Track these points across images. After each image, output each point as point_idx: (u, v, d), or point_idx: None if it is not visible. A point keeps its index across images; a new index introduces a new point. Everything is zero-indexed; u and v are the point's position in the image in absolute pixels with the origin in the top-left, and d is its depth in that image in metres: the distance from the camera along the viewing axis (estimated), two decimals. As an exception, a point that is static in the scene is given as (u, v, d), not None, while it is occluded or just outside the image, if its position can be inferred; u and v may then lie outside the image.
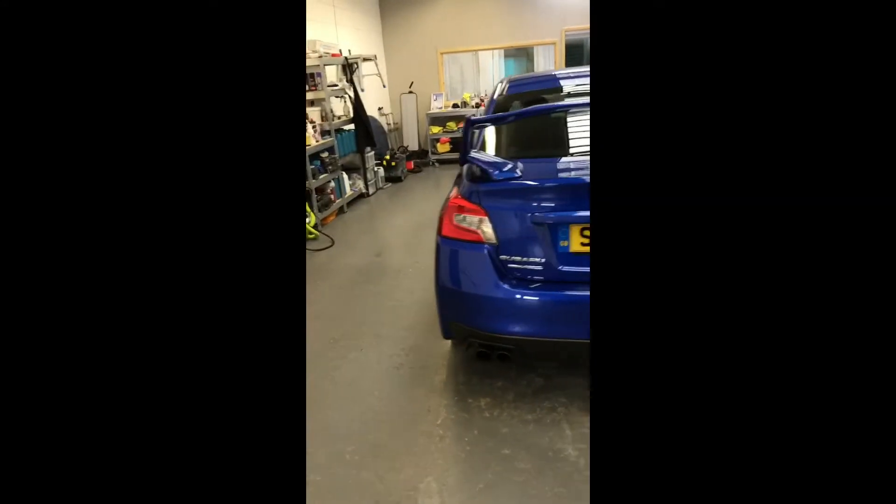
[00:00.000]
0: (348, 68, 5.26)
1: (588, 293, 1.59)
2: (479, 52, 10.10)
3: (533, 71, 7.60)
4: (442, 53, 7.38)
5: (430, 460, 1.70)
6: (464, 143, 1.68)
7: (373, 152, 5.74)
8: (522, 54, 7.82)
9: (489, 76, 10.28)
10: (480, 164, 1.71)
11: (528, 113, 1.73)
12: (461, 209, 1.74)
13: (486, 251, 1.70)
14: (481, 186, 1.70)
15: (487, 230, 1.70)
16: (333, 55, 5.02)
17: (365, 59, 5.90)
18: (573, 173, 1.72)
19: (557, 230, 1.62)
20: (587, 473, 1.59)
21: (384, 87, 7.11)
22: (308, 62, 4.62)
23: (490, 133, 2.08)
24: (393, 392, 2.10)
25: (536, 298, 1.63)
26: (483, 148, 2.07)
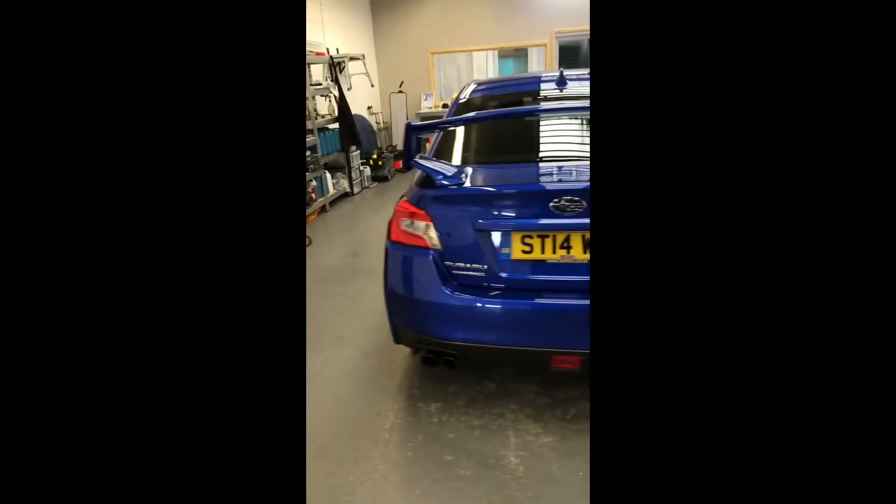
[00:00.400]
0: (334, 67, 5.25)
1: (530, 301, 1.59)
2: (474, 53, 10.08)
3: (526, 71, 7.59)
4: (433, 53, 7.37)
5: (372, 465, 1.70)
6: (405, 148, 1.68)
7: (358, 151, 5.73)
8: (522, 55, 7.79)
9: (484, 76, 10.25)
10: (424, 169, 1.70)
11: (474, 119, 1.72)
12: (408, 214, 1.74)
13: (431, 257, 1.69)
14: (427, 192, 1.70)
15: (433, 236, 1.69)
16: (318, 54, 5.01)
17: (352, 59, 5.89)
18: (532, 179, 1.71)
19: (499, 237, 1.62)
20: (525, 482, 1.59)
21: (372, 86, 7.10)
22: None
23: (459, 137, 2.07)
24: (346, 395, 2.10)
25: (479, 305, 1.63)
26: (448, 152, 2.05)
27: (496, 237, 1.63)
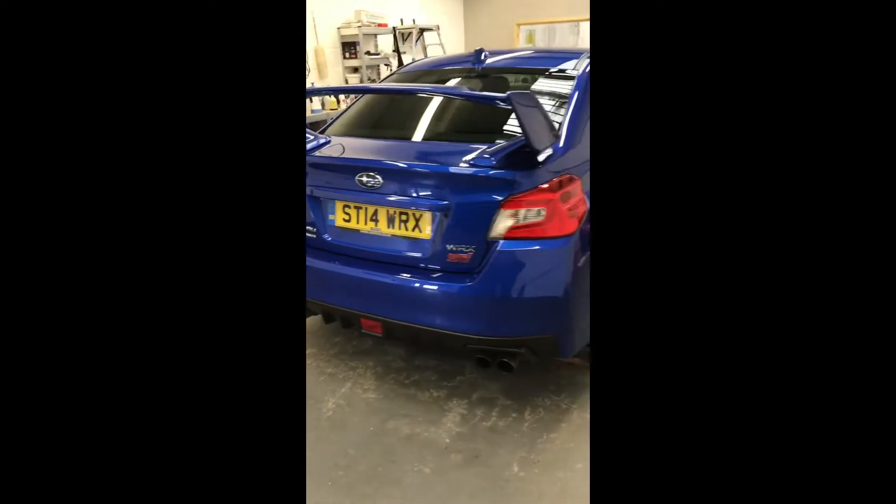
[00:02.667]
0: (397, 38, 5.50)
1: (345, 266, 1.74)
2: (581, 24, 9.55)
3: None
4: (519, 25, 7.20)
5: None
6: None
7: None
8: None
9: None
10: None
11: (353, 90, 1.89)
12: None
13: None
14: None
15: None
16: (379, 25, 5.29)
17: (425, 30, 6.07)
18: (364, 154, 1.83)
19: (326, 204, 1.78)
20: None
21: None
22: (349, 32, 4.98)
23: (352, 110, 2.22)
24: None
25: (312, 265, 1.82)
26: (337, 123, 2.18)
27: (325, 204, 1.79)
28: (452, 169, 1.54)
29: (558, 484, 1.51)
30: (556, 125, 1.73)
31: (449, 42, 7.02)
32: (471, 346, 1.61)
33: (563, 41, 9.57)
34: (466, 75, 2.20)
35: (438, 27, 6.27)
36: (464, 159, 1.55)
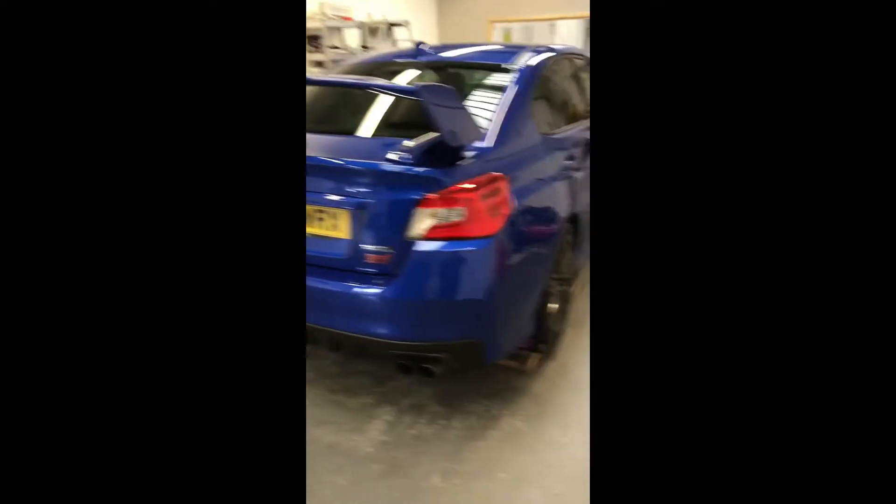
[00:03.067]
0: (368, 33, 5.41)
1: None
2: (557, 23, 9.55)
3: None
4: (492, 22, 7.16)
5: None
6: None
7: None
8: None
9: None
10: None
11: None
12: None
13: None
14: None
15: None
16: (344, 18, 5.19)
17: (394, 25, 5.98)
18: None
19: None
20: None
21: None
22: (311, 25, 4.86)
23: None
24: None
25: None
26: None
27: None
28: (368, 165, 1.47)
29: (478, 494, 1.45)
30: (489, 121, 1.67)
31: (422, 38, 6.93)
32: (392, 352, 1.53)
33: (540, 40, 9.56)
34: (410, 67, 2.13)
35: (408, 22, 6.18)
36: (380, 155, 1.48)
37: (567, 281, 2.08)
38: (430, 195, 1.40)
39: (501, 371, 1.98)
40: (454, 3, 7.24)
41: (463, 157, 1.48)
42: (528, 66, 1.94)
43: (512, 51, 2.08)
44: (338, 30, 5.32)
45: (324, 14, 4.91)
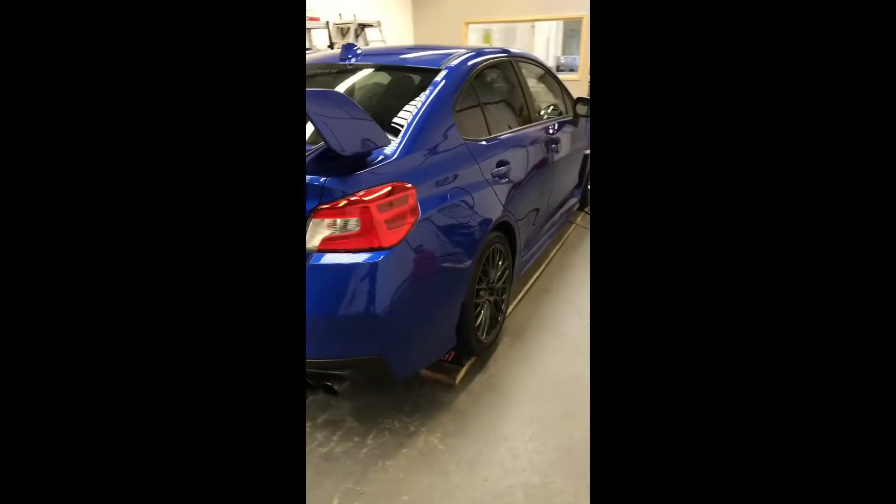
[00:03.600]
0: (339, 33, 5.33)
1: None
2: (537, 24, 9.52)
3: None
4: (467, 23, 7.10)
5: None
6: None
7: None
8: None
9: (541, 50, 9.64)
10: None
11: None
12: None
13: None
14: None
15: None
16: (311, 18, 5.11)
17: (365, 25, 5.91)
18: None
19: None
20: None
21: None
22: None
23: None
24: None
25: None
26: None
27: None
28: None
29: (378, 519, 1.38)
30: (400, 126, 1.60)
31: (395, 39, 6.86)
32: (294, 368, 1.46)
33: (522, 41, 9.50)
34: (337, 71, 2.06)
35: (380, 23, 6.12)
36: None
37: (498, 290, 2.02)
38: (323, 205, 1.34)
39: (428, 384, 1.91)
40: (429, 4, 7.17)
41: (365, 165, 1.42)
42: (453, 71, 1.88)
43: (447, 53, 2.02)
44: (307, 31, 5.24)
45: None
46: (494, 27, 8.23)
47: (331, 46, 5.34)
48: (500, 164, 1.96)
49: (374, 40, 6.21)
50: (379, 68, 2.01)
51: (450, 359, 1.91)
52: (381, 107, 1.85)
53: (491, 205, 1.84)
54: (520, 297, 2.53)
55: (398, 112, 1.70)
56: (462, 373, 1.91)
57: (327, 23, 5.27)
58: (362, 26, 5.93)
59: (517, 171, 2.10)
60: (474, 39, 7.34)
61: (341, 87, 1.94)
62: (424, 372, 1.92)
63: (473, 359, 1.98)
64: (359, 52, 2.13)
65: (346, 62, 2.05)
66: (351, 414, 1.77)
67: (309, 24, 5.06)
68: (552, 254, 3.03)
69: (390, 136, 1.54)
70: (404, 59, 2.06)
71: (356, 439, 1.65)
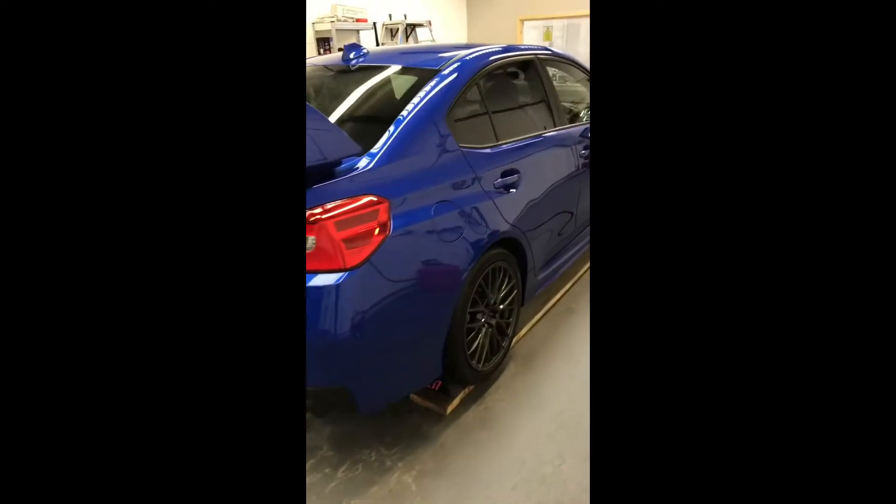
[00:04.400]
0: (388, 34, 5.30)
1: None
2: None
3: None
4: (522, 21, 6.84)
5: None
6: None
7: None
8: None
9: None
10: None
11: None
12: None
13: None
14: None
15: None
16: (358, 20, 5.10)
17: (415, 26, 5.83)
18: None
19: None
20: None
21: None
22: (322, 27, 4.81)
23: None
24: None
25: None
26: None
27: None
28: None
29: (329, 568, 1.25)
30: (382, 133, 1.46)
31: (447, 38, 6.75)
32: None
33: (586, 38, 9.08)
34: (339, 73, 1.96)
35: (430, 22, 6.02)
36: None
37: (502, 313, 1.83)
38: (278, 221, 1.22)
39: (417, 412, 1.76)
40: (484, 1, 6.99)
41: (331, 176, 1.29)
42: (452, 72, 1.71)
43: (456, 54, 1.85)
44: (354, 32, 5.25)
45: (335, 16, 4.84)
46: (555, 23, 7.88)
47: (377, 45, 5.31)
48: (507, 173, 1.77)
49: (424, 40, 6.13)
50: (379, 70, 1.88)
51: (436, 388, 1.75)
52: (373, 111, 1.72)
53: (490, 219, 1.65)
54: (538, 317, 2.31)
55: (389, 117, 1.56)
56: (455, 403, 1.74)
57: (374, 24, 5.25)
58: (412, 26, 5.86)
59: (531, 180, 1.89)
60: (533, 38, 7.06)
61: (333, 90, 1.83)
62: (415, 398, 1.78)
63: (469, 388, 1.81)
64: (364, 52, 2.01)
65: (348, 63, 1.94)
66: (329, 440, 1.65)
67: (356, 27, 5.05)
68: (580, 272, 2.76)
69: (376, 145, 1.41)
70: (407, 60, 1.92)
71: (327, 470, 1.53)
